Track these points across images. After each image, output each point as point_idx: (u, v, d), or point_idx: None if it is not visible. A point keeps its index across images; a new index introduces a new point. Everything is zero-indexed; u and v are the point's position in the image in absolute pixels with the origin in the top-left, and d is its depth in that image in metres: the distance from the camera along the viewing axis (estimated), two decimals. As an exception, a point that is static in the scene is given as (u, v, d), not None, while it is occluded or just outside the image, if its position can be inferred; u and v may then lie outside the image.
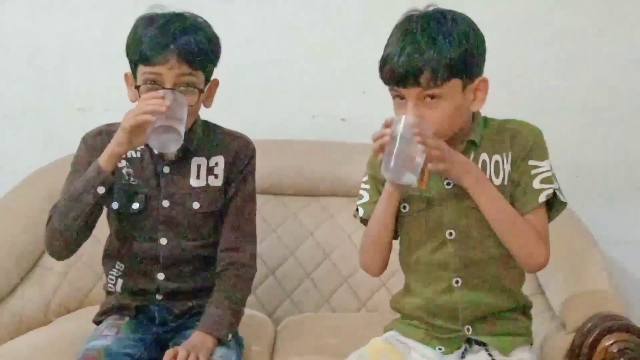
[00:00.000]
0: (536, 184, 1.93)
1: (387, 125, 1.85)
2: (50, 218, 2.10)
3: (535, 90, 2.88)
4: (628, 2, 2.91)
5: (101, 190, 2.02)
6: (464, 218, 1.97)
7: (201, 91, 2.09)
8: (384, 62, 1.91)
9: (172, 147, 2.00)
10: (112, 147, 2.01)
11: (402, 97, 1.89)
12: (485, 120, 2.01)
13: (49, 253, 2.17)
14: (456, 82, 1.87)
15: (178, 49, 2.03)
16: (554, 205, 1.97)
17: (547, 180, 1.94)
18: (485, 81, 1.93)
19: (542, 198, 1.93)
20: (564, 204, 1.98)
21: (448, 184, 1.98)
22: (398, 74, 1.86)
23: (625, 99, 2.94)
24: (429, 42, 1.85)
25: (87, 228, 2.08)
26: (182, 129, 1.97)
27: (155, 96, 1.99)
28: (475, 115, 1.99)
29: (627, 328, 2.04)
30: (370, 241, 2.03)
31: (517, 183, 1.95)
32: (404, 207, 2.02)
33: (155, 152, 2.14)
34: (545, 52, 2.87)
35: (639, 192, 2.99)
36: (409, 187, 1.97)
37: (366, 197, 2.08)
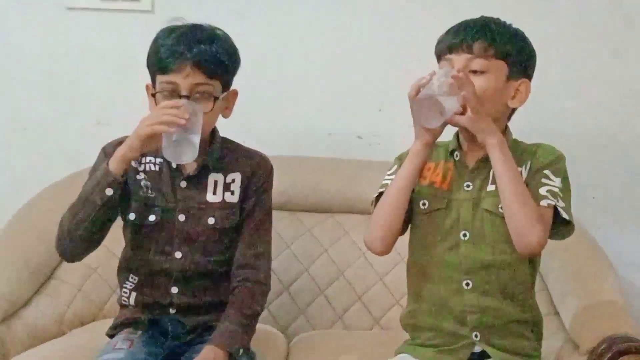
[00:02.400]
0: (542, 191, 1.95)
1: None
2: (62, 218, 2.11)
3: (551, 111, 2.88)
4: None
5: (109, 192, 2.02)
6: (480, 221, 2.00)
7: (217, 98, 2.10)
8: (440, 37, 2.03)
9: (187, 158, 2.00)
10: (123, 151, 2.02)
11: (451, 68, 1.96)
12: (516, 140, 2.07)
13: (59, 253, 2.16)
14: (503, 66, 1.97)
15: (193, 57, 2.05)
16: (557, 225, 1.97)
17: (553, 194, 1.95)
18: (528, 84, 2.02)
19: (542, 202, 1.94)
20: (570, 225, 1.99)
21: (468, 186, 2.01)
22: (454, 39, 1.98)
23: (639, 119, 2.94)
24: (489, 22, 2.00)
25: (95, 231, 2.07)
26: (197, 141, 1.98)
27: (173, 106, 2.00)
28: (507, 130, 2.05)
29: (641, 350, 2.03)
30: (383, 210, 2.02)
31: (526, 184, 1.96)
32: (424, 204, 2.05)
33: (173, 165, 2.15)
34: (561, 74, 2.87)
35: (654, 214, 2.99)
36: (432, 186, 2.02)
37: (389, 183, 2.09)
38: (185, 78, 2.05)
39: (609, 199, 2.96)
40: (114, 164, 2.02)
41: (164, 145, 1.98)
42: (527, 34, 2.05)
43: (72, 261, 2.21)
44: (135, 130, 2.01)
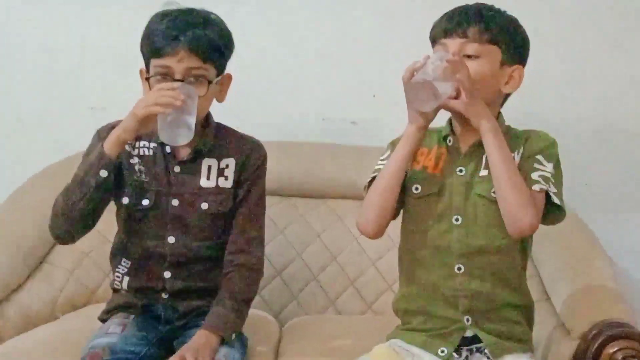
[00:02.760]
0: (534, 175, 1.96)
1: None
2: (56, 200, 2.10)
3: (547, 99, 2.89)
4: (640, 17, 2.92)
5: (103, 173, 2.01)
6: (472, 206, 2.00)
7: (210, 82, 2.09)
8: (435, 22, 2.04)
9: (182, 140, 2.00)
10: (118, 133, 2.02)
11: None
12: (509, 127, 2.07)
13: (52, 235, 2.15)
14: (497, 51, 1.99)
15: (188, 41, 2.05)
16: (549, 210, 1.98)
17: (545, 179, 1.96)
18: (521, 70, 2.03)
19: (534, 187, 1.95)
20: (562, 211, 1.99)
21: (460, 171, 2.02)
22: (448, 23, 1.99)
23: (636, 110, 2.94)
24: (484, 8, 2.02)
25: (89, 213, 2.06)
26: (193, 123, 1.99)
27: (169, 88, 2.00)
28: (500, 117, 2.05)
29: (632, 335, 2.04)
30: (375, 194, 2.03)
31: (519, 169, 1.97)
32: (416, 189, 2.05)
33: (167, 147, 2.15)
34: (559, 66, 2.88)
35: (647, 201, 2.99)
36: (424, 170, 2.03)
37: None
38: (180, 62, 2.05)
39: (603, 187, 2.96)
40: (109, 146, 2.02)
41: (160, 127, 1.98)
42: (525, 25, 2.05)
43: (65, 243, 2.20)
44: (131, 111, 2.00)
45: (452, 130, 2.07)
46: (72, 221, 2.07)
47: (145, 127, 2.01)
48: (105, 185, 2.04)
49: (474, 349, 2.01)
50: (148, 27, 2.11)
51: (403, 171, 2.01)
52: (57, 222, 2.10)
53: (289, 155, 2.78)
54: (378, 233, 2.05)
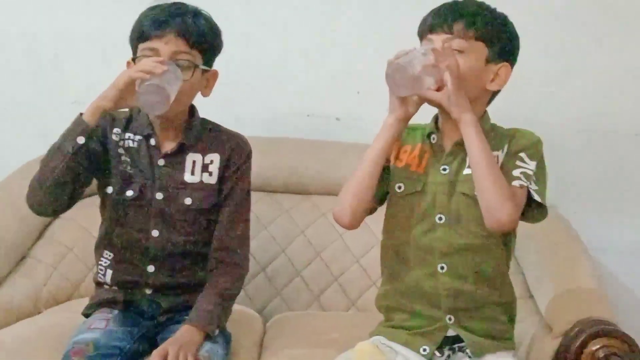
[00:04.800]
0: (516, 172, 1.96)
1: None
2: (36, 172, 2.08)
3: (532, 98, 2.89)
4: (626, 12, 2.91)
5: (80, 140, 2.00)
6: (455, 204, 2.00)
7: (196, 67, 2.10)
8: (423, 18, 2.04)
9: (158, 108, 1.99)
10: (97, 101, 2.01)
11: None
12: (494, 125, 2.07)
13: (29, 205, 2.10)
14: (483, 48, 1.99)
15: (176, 25, 2.07)
16: (530, 207, 1.99)
17: (526, 176, 1.96)
18: (508, 68, 2.03)
19: (514, 183, 1.95)
20: (544, 209, 2.00)
21: (444, 169, 2.02)
22: (435, 19, 1.99)
23: (621, 108, 2.95)
24: (471, 4, 2.02)
25: (66, 182, 2.03)
26: (171, 96, 1.98)
27: (153, 60, 2.01)
28: (485, 115, 2.05)
29: (614, 333, 2.05)
30: (352, 182, 2.02)
31: (501, 166, 1.98)
32: (399, 187, 2.05)
33: (152, 140, 2.16)
34: (543, 61, 2.87)
35: (632, 201, 3.00)
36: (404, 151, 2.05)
37: None
38: (167, 44, 2.07)
39: (587, 185, 2.97)
40: (88, 114, 2.01)
41: (138, 91, 1.97)
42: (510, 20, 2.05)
43: (40, 213, 2.15)
44: (113, 81, 2.00)
45: (436, 127, 2.07)
46: (47, 189, 2.03)
47: (124, 97, 2.00)
48: (83, 154, 2.02)
49: (456, 348, 2.01)
50: (138, 18, 2.13)
51: (381, 161, 2.00)
52: (33, 191, 2.07)
53: (274, 151, 2.78)
54: (353, 223, 2.04)
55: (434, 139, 2.06)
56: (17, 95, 2.95)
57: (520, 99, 2.81)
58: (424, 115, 2.07)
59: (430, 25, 2.00)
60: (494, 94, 2.07)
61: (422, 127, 2.09)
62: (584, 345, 2.05)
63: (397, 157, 2.08)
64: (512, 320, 2.09)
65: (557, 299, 2.26)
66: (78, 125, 2.01)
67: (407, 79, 1.89)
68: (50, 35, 2.93)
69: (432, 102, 1.97)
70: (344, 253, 2.72)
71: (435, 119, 2.08)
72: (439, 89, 1.93)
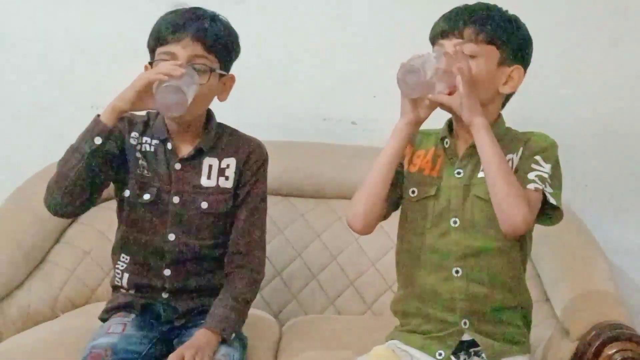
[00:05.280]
0: (531, 175, 1.96)
1: None
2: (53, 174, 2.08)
3: (546, 99, 2.88)
4: (639, 14, 2.91)
5: (98, 140, 2.00)
6: (470, 208, 2.00)
7: (213, 72, 2.11)
8: (434, 23, 2.04)
9: (175, 109, 1.99)
10: (115, 102, 2.02)
11: None
12: (509, 128, 2.07)
13: (47, 207, 2.10)
14: (494, 51, 1.98)
15: (194, 30, 2.08)
16: (546, 210, 1.98)
17: (541, 179, 1.96)
18: (520, 70, 2.02)
19: (529, 186, 1.95)
20: (559, 211, 1.99)
21: (458, 173, 2.02)
22: (445, 24, 1.99)
23: (634, 109, 2.94)
24: (481, 8, 2.02)
25: (83, 183, 2.03)
26: (188, 98, 1.98)
27: (172, 63, 2.03)
28: (500, 119, 2.05)
29: (631, 337, 2.04)
30: (365, 187, 2.03)
31: (516, 170, 1.98)
32: (413, 192, 2.06)
33: (169, 144, 2.16)
34: (557, 62, 2.87)
35: (647, 202, 3.00)
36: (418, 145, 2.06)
37: None
38: (184, 48, 2.08)
39: (602, 187, 2.96)
40: (105, 115, 2.02)
41: (156, 91, 1.98)
42: (522, 22, 2.05)
43: (58, 215, 2.14)
44: (132, 82, 2.01)
45: (450, 132, 2.07)
46: (65, 190, 2.03)
47: (142, 99, 2.00)
48: (100, 154, 2.02)
49: (472, 353, 2.01)
50: (156, 23, 2.14)
51: (393, 165, 2.00)
52: (51, 192, 2.07)
53: (290, 155, 2.78)
54: (366, 228, 2.05)
55: (447, 143, 2.06)
56: (34, 99, 2.96)
57: (535, 101, 2.81)
58: (439, 121, 2.08)
59: (441, 31, 2.00)
60: (508, 96, 2.07)
61: (436, 132, 2.09)
62: (600, 349, 2.04)
63: (410, 162, 2.09)
64: (528, 324, 2.08)
65: (574, 302, 2.25)
66: (95, 126, 2.02)
67: (418, 81, 1.89)
68: (66, 40, 2.94)
69: (443, 106, 1.97)
70: (359, 257, 2.71)
71: (449, 123, 2.08)
72: (450, 93, 1.93)
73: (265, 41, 2.90)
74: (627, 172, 2.97)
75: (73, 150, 2.03)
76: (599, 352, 2.04)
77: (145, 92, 2.00)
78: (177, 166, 2.18)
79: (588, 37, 2.91)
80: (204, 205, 2.18)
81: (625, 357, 2.01)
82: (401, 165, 2.07)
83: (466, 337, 2.01)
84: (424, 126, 2.05)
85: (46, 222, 2.57)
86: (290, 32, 2.94)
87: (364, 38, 2.92)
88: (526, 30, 2.05)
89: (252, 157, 2.22)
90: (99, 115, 2.03)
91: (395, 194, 2.07)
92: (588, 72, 2.92)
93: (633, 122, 2.94)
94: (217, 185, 2.19)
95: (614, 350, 2.03)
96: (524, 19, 2.06)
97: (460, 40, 1.97)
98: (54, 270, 2.62)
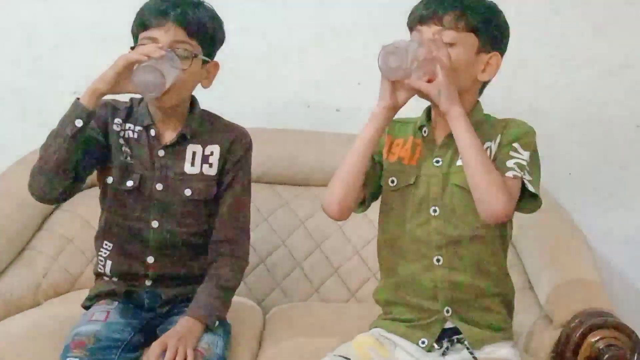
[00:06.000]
0: (509, 163, 1.95)
1: None
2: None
3: (529, 87, 2.89)
4: (623, 4, 2.91)
5: (79, 123, 1.98)
6: (449, 196, 2.00)
7: (195, 57, 2.10)
8: (413, 8, 2.02)
9: (153, 90, 1.98)
10: (94, 84, 2.00)
11: None
12: (487, 115, 2.06)
13: (30, 193, 2.09)
14: (473, 39, 1.97)
15: (176, 15, 2.07)
16: (525, 197, 1.97)
17: (520, 166, 1.95)
18: (498, 57, 2.01)
19: (508, 174, 1.94)
20: (538, 199, 1.98)
21: (437, 161, 2.02)
22: (425, 10, 1.97)
23: (618, 98, 2.95)
24: None
25: (66, 167, 2.02)
26: (167, 80, 1.98)
27: (152, 45, 2.02)
28: (477, 105, 2.04)
29: (614, 325, 2.06)
30: (340, 172, 2.01)
31: (494, 157, 1.97)
32: (392, 181, 2.05)
33: (152, 131, 2.16)
34: (541, 51, 2.88)
35: (629, 191, 3.01)
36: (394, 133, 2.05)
37: None
38: (166, 33, 2.07)
39: (586, 175, 2.98)
40: (85, 97, 2.00)
41: (134, 72, 1.97)
42: (507, 10, 2.04)
43: (42, 200, 2.12)
44: (112, 64, 1.99)
45: (428, 120, 2.06)
46: (48, 174, 2.02)
47: (122, 79, 1.99)
48: (81, 137, 2.01)
49: (455, 340, 2.01)
50: (140, 8, 2.13)
51: (368, 152, 1.99)
52: (35, 177, 2.06)
53: (274, 142, 2.78)
54: (342, 214, 2.03)
55: (425, 131, 2.05)
56: (17, 85, 2.95)
57: (518, 89, 2.82)
58: (417, 111, 2.07)
59: (419, 16, 1.99)
60: (485, 84, 2.06)
61: (414, 121, 2.09)
62: (583, 336, 2.06)
63: (389, 151, 2.08)
64: (510, 311, 2.08)
65: (557, 289, 2.26)
66: (76, 109, 2.00)
67: (399, 63, 1.89)
68: (50, 25, 2.93)
69: (421, 93, 1.96)
70: (344, 244, 2.72)
71: (427, 111, 2.08)
72: (429, 81, 1.93)
73: (250, 28, 2.89)
74: (612, 161, 2.98)
75: (54, 134, 2.02)
76: (582, 339, 2.06)
77: (125, 73, 1.98)
78: (161, 153, 2.17)
79: (571, 26, 2.91)
80: (188, 192, 2.17)
81: (608, 345, 2.03)
82: (380, 154, 2.07)
83: (449, 324, 2.01)
84: (402, 115, 2.04)
85: (29, 208, 2.56)
86: (276, 19, 2.93)
87: (349, 26, 2.92)
88: (504, 17, 2.04)
89: (236, 144, 2.22)
90: (79, 98, 2.01)
91: (375, 185, 2.07)
92: (571, 61, 2.93)
93: (617, 110, 2.95)
94: (201, 172, 2.19)
95: (597, 338, 2.04)
96: (507, 7, 2.05)
97: (439, 28, 1.96)
98: (36, 258, 2.61)
